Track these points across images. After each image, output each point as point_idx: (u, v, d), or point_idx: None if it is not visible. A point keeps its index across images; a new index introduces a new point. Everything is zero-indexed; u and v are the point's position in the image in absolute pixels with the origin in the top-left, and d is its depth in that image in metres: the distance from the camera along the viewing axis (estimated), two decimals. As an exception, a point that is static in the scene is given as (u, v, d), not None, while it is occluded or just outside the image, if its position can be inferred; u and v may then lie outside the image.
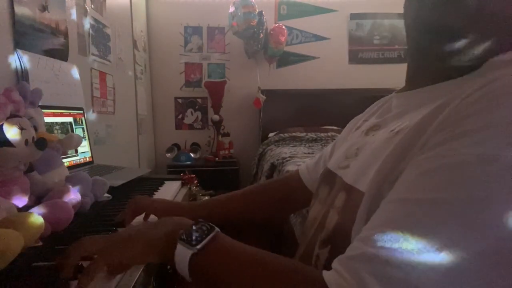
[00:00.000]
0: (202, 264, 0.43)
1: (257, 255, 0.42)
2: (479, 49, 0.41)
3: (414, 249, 0.31)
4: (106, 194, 0.87)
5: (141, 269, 0.53)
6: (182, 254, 0.43)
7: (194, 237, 0.43)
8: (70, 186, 0.72)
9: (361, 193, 0.43)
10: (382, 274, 0.31)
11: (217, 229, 0.46)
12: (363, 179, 0.45)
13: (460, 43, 0.42)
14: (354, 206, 0.43)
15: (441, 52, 0.44)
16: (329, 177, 0.58)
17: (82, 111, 1.24)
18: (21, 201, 0.63)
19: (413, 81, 0.51)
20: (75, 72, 1.37)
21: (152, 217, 0.74)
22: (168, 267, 0.97)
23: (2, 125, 0.61)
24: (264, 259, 0.41)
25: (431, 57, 0.47)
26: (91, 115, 1.60)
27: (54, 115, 1.07)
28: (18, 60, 1.02)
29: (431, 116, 0.39)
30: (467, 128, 0.33)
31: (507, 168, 0.30)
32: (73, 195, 0.70)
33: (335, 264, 0.36)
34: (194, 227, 0.45)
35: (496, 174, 0.30)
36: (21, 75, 1.02)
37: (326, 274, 0.36)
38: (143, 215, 0.73)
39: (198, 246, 0.43)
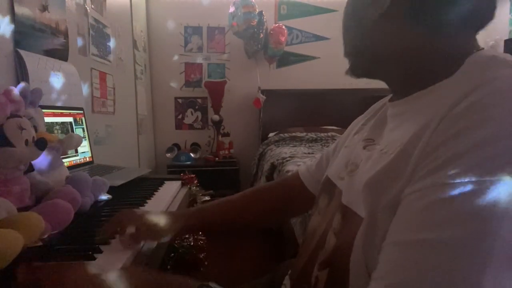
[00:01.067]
0: None
1: None
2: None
3: None
4: (106, 194, 0.87)
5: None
6: None
7: None
8: (70, 186, 0.72)
9: (356, 216, 0.43)
10: None
11: None
12: (357, 201, 0.44)
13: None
14: (351, 230, 0.42)
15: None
16: (329, 187, 0.57)
17: (82, 111, 1.24)
18: (21, 201, 0.63)
19: (395, 91, 0.51)
20: (75, 72, 1.37)
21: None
22: (168, 267, 0.96)
23: (2, 125, 0.61)
24: None
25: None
26: (91, 115, 1.60)
27: (54, 115, 1.07)
28: (18, 60, 1.02)
29: (413, 140, 0.38)
30: (456, 151, 0.32)
31: (501, 194, 0.28)
32: (73, 195, 0.70)
33: None
34: None
35: (491, 204, 0.29)
36: (21, 75, 1.02)
37: None
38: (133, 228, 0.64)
39: None
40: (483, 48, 0.43)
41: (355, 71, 0.51)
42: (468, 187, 0.30)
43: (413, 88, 0.45)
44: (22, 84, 0.72)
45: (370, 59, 0.48)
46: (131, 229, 0.62)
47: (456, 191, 0.30)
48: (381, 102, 0.62)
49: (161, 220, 0.67)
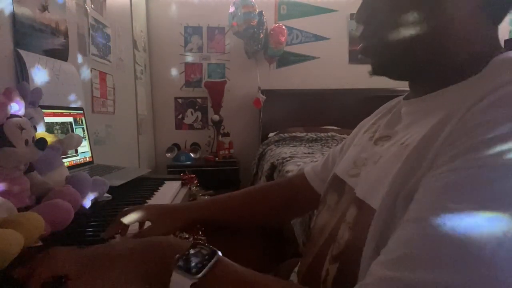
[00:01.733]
0: None
1: (265, 284, 0.38)
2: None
3: (443, 274, 0.27)
4: (106, 194, 0.87)
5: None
6: (180, 284, 0.36)
7: (193, 264, 0.37)
8: (70, 186, 0.72)
9: (372, 210, 0.41)
10: None
11: (219, 253, 0.39)
12: (374, 195, 0.43)
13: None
14: (366, 223, 0.41)
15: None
16: (337, 184, 0.55)
17: (82, 111, 1.24)
18: (21, 201, 0.63)
19: (415, 88, 0.50)
20: (75, 72, 1.37)
21: (148, 224, 0.68)
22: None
23: (2, 125, 0.61)
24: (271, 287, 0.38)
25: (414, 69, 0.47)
26: (91, 115, 1.60)
27: (54, 115, 1.07)
28: (18, 60, 1.02)
29: (436, 129, 0.37)
30: (476, 140, 0.32)
31: None
32: (73, 195, 0.70)
33: None
34: (192, 251, 0.38)
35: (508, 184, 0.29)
36: (21, 75, 1.02)
37: None
38: (137, 224, 0.67)
39: (199, 275, 0.36)
40: (508, 48, 0.43)
41: (379, 68, 0.48)
42: (490, 173, 0.30)
43: (435, 85, 0.44)
44: (22, 84, 0.72)
45: (397, 53, 0.45)
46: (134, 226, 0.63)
47: (475, 174, 0.30)
48: (393, 102, 0.62)
49: (164, 215, 0.68)
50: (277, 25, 2.88)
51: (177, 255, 0.38)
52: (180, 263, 0.37)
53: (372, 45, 0.48)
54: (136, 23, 2.50)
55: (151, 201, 0.91)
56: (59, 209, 0.63)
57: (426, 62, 0.44)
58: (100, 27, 1.75)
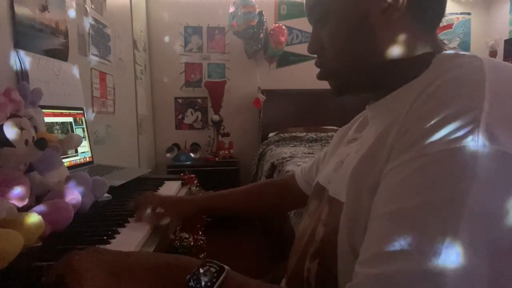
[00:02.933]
0: None
1: None
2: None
3: (417, 259, 0.31)
4: (106, 194, 0.87)
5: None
6: None
7: (203, 283, 0.39)
8: (70, 186, 0.72)
9: (341, 203, 0.45)
10: None
11: (227, 268, 0.41)
12: (342, 189, 0.47)
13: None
14: (337, 217, 0.45)
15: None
16: (319, 191, 0.59)
17: (82, 111, 1.24)
18: (21, 201, 0.63)
19: (372, 96, 0.54)
20: (75, 72, 1.37)
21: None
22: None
23: (2, 125, 0.61)
24: None
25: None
26: (91, 115, 1.60)
27: (54, 115, 1.07)
28: (18, 60, 1.02)
29: (390, 125, 0.42)
30: (418, 133, 0.36)
31: (472, 156, 0.32)
32: (73, 195, 0.70)
33: None
34: (201, 270, 0.40)
35: (463, 165, 0.32)
36: (21, 75, 1.02)
37: None
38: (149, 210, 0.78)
39: None
40: (448, 47, 0.48)
41: (341, 90, 0.54)
42: (440, 155, 0.33)
43: (386, 90, 0.49)
44: (22, 84, 0.73)
45: (346, 73, 0.51)
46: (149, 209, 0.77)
47: (429, 160, 0.34)
48: (365, 111, 0.66)
49: (176, 203, 0.83)
50: (277, 25, 2.87)
51: (188, 276, 0.40)
52: (192, 283, 0.39)
53: (326, 72, 0.54)
54: (136, 23, 2.50)
55: (151, 201, 0.91)
56: (59, 209, 0.63)
57: (374, 76, 0.49)
58: (100, 27, 1.75)
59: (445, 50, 0.47)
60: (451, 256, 0.30)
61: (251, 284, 0.41)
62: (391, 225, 0.34)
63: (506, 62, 0.43)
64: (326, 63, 0.54)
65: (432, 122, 0.35)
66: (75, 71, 1.37)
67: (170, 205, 0.80)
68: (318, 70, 0.56)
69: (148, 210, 0.78)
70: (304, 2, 0.57)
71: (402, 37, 0.46)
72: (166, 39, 2.99)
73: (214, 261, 0.42)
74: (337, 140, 0.69)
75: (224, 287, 0.39)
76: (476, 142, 0.32)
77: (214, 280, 0.39)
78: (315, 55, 0.55)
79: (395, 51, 0.47)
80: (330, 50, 0.51)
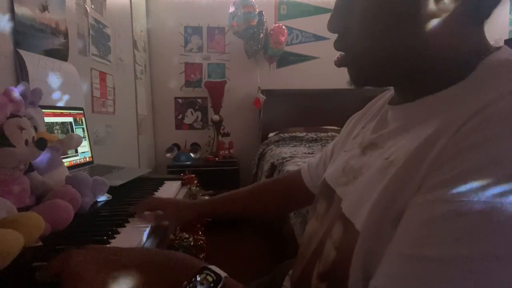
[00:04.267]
0: None
1: None
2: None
3: None
4: (106, 194, 0.87)
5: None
6: None
7: None
8: (70, 186, 0.72)
9: (357, 231, 0.40)
10: None
11: (223, 277, 0.40)
12: (358, 214, 0.41)
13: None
14: (351, 244, 0.40)
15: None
16: (327, 192, 0.55)
17: (82, 111, 1.24)
18: (21, 201, 0.63)
19: (399, 94, 0.48)
20: (75, 72, 1.37)
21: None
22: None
23: (2, 125, 0.61)
24: None
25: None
26: (91, 115, 1.60)
27: (54, 115, 1.07)
28: (18, 60, 1.02)
29: (424, 148, 0.35)
30: (468, 167, 0.30)
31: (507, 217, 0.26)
32: (73, 195, 0.70)
33: None
34: (198, 278, 0.39)
35: (507, 225, 0.26)
36: (21, 75, 1.02)
37: None
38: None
39: None
40: (497, 48, 0.40)
41: (363, 81, 0.46)
42: (473, 207, 0.28)
43: (419, 91, 0.42)
44: (22, 84, 0.73)
45: (377, 63, 0.43)
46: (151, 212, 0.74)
47: (460, 209, 0.29)
48: (379, 101, 0.60)
49: (180, 206, 0.80)
50: (277, 25, 2.87)
51: (184, 283, 0.39)
52: None
53: (350, 58, 0.45)
54: (136, 23, 2.50)
55: (151, 201, 0.91)
56: (59, 209, 0.63)
57: (408, 70, 0.41)
58: (100, 27, 1.75)
59: (492, 50, 0.39)
60: None
61: None
62: (401, 268, 0.31)
63: None
64: (350, 48, 0.44)
65: (484, 163, 0.29)
66: (75, 71, 1.37)
67: (170, 210, 0.77)
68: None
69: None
70: None
71: (450, 30, 0.38)
72: (166, 39, 2.99)
73: (212, 267, 0.41)
74: (346, 132, 0.63)
75: None
76: None
77: None
78: (336, 35, 0.45)
79: (440, 46, 0.38)
80: (359, 32, 0.42)
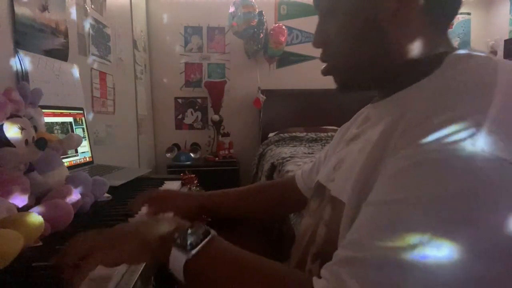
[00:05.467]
0: (197, 269, 0.42)
1: (251, 260, 0.43)
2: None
3: (390, 249, 0.32)
4: (106, 194, 0.87)
5: (141, 270, 0.53)
6: (177, 259, 0.42)
7: (189, 242, 0.42)
8: (70, 186, 0.72)
9: (343, 204, 0.45)
10: (362, 276, 0.32)
11: (213, 232, 0.45)
12: (344, 190, 0.46)
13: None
14: (339, 217, 0.45)
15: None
16: (319, 190, 0.59)
17: (82, 111, 1.24)
18: (21, 201, 0.63)
19: (378, 93, 0.53)
20: (75, 72, 1.37)
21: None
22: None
23: (2, 125, 0.61)
24: (258, 265, 0.42)
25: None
26: (91, 115, 1.60)
27: (54, 115, 1.07)
28: (18, 60, 1.02)
29: (395, 124, 0.41)
30: (427, 125, 0.35)
31: (467, 160, 0.31)
32: (73, 195, 0.70)
33: (322, 270, 0.37)
34: (189, 231, 0.44)
35: (455, 168, 0.32)
36: (21, 75, 1.02)
37: (315, 281, 0.37)
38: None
39: (193, 252, 0.42)
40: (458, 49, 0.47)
41: (345, 87, 0.54)
42: (434, 155, 0.33)
43: (393, 89, 0.47)
44: (22, 84, 0.73)
45: (354, 69, 0.50)
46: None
47: (422, 159, 0.34)
48: (365, 108, 0.65)
49: (180, 196, 0.80)
50: (277, 25, 2.87)
51: (176, 234, 0.44)
52: (178, 240, 0.43)
53: (332, 67, 0.53)
54: (136, 23, 2.50)
55: (151, 201, 0.91)
56: (59, 209, 0.63)
57: (381, 74, 0.48)
58: (100, 27, 1.75)
59: (457, 50, 0.45)
60: (422, 254, 0.30)
61: (233, 251, 0.44)
62: (375, 215, 0.35)
63: None
64: (331, 59, 0.52)
65: (435, 123, 0.35)
66: (75, 71, 1.37)
67: (170, 200, 0.78)
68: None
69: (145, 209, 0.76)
70: None
71: (412, 36, 0.45)
72: (166, 39, 2.99)
73: (204, 225, 0.45)
74: (338, 138, 0.68)
75: (207, 249, 0.42)
76: (474, 147, 0.32)
77: (199, 241, 0.43)
78: (320, 49, 0.54)
79: (405, 50, 0.46)
80: (336, 45, 0.50)
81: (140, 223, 0.53)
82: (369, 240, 0.34)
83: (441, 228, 0.30)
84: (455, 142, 0.32)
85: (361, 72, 0.50)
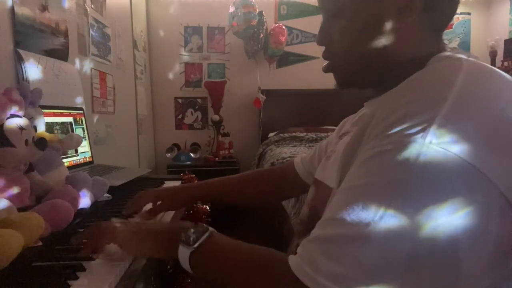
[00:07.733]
0: (200, 260, 0.50)
1: (242, 248, 0.49)
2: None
3: (349, 226, 0.37)
4: (106, 194, 0.87)
5: (141, 269, 0.53)
6: (183, 253, 0.50)
7: (192, 238, 0.50)
8: (70, 186, 0.72)
9: (329, 188, 0.53)
10: (328, 251, 0.38)
11: (211, 229, 0.52)
12: (330, 176, 0.53)
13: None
14: (323, 199, 0.52)
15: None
16: (314, 184, 0.64)
17: (82, 111, 1.24)
18: (21, 201, 0.63)
19: (374, 92, 0.57)
20: (75, 72, 1.37)
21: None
22: (168, 267, 0.97)
23: (2, 125, 0.61)
24: (247, 250, 0.49)
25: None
26: (91, 115, 1.60)
27: (54, 115, 1.07)
28: (18, 60, 1.02)
29: (372, 116, 0.45)
30: (390, 120, 0.39)
31: (416, 152, 0.36)
32: (73, 195, 0.70)
33: (299, 247, 0.42)
34: (192, 230, 0.51)
35: (406, 158, 0.36)
36: (21, 75, 1.02)
37: (290, 258, 0.42)
38: (149, 204, 0.81)
39: (195, 245, 0.49)
40: (451, 49, 0.50)
41: (345, 84, 0.58)
42: (392, 147, 0.37)
43: (385, 88, 0.50)
44: (22, 84, 0.73)
45: (355, 67, 0.53)
46: (148, 207, 0.80)
47: (383, 150, 0.38)
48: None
49: (171, 195, 0.82)
50: (277, 25, 2.87)
51: (182, 233, 0.51)
52: (183, 238, 0.51)
53: (334, 64, 0.57)
54: (136, 23, 2.50)
55: (151, 201, 0.91)
56: (59, 209, 0.63)
57: (380, 73, 0.52)
58: (100, 27, 1.75)
59: (446, 51, 0.48)
60: (379, 228, 0.35)
61: (230, 244, 0.50)
62: (345, 197, 0.40)
63: (497, 70, 0.44)
64: (333, 57, 0.56)
65: (396, 117, 0.39)
66: (75, 71, 1.37)
67: (166, 197, 0.81)
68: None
69: (149, 206, 0.80)
70: None
71: (412, 38, 0.48)
72: (166, 39, 2.99)
73: (204, 224, 0.53)
74: (336, 132, 0.72)
75: (207, 243, 0.50)
76: (423, 140, 0.35)
77: (200, 236, 0.50)
78: (323, 47, 0.57)
79: (403, 51, 0.49)
80: (340, 45, 0.53)
81: (155, 225, 0.64)
82: (335, 219, 0.39)
83: (392, 207, 0.35)
84: (409, 135, 0.37)
85: (361, 71, 0.53)
